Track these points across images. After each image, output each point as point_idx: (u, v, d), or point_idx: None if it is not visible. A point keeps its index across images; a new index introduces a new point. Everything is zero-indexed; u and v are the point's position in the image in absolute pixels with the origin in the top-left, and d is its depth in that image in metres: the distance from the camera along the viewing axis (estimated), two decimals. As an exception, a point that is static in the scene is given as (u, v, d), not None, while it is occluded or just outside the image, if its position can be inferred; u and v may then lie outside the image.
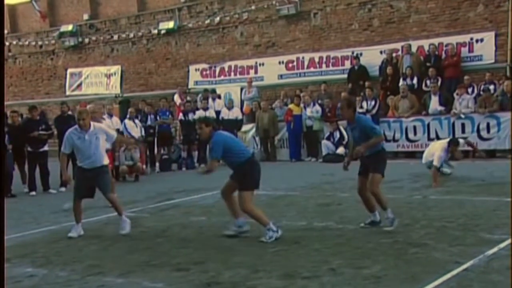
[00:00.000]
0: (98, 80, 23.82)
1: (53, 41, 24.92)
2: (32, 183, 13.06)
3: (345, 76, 17.76)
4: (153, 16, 22.49)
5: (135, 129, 15.48)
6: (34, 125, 13.19)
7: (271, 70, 19.59)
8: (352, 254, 6.14)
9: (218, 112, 17.44)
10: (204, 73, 21.15)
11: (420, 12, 17.23)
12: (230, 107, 17.44)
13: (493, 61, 16.08)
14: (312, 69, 18.96)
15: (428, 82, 15.76)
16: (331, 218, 8.08)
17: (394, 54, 17.04)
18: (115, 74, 23.36)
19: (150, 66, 22.56)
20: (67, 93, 24.36)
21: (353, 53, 17.97)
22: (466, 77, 15.61)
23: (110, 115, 15.39)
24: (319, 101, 17.05)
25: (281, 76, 19.49)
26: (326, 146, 15.96)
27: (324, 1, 18.76)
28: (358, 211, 7.96)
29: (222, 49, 20.86)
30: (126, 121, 15.66)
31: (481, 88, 15.15)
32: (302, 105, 16.93)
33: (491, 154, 14.25)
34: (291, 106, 17.22)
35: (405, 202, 8.93)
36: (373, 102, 15.88)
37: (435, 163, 10.49)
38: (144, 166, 15.32)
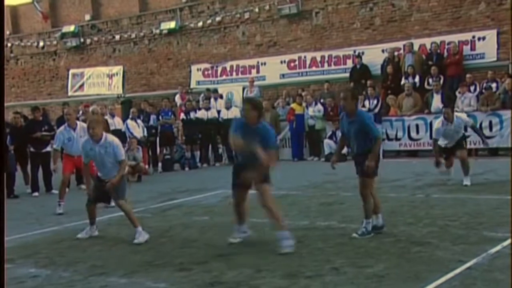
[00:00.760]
0: (100, 81, 23.81)
1: (55, 42, 24.96)
2: (35, 184, 13.08)
3: (347, 75, 17.76)
4: (154, 16, 22.51)
5: (137, 129, 15.49)
6: (37, 126, 13.21)
7: (273, 69, 19.60)
8: (355, 253, 6.13)
9: (219, 112, 17.45)
10: (206, 73, 21.16)
11: (422, 11, 17.22)
12: (228, 106, 17.44)
13: (495, 59, 16.07)
14: (314, 68, 18.96)
15: (430, 80, 15.76)
16: (333, 218, 8.08)
17: (396, 53, 17.03)
18: (117, 74, 23.35)
19: (152, 66, 22.58)
20: (69, 93, 24.36)
21: (355, 52, 17.97)
22: (468, 75, 15.60)
23: (112, 116, 15.44)
24: (321, 100, 17.05)
25: (283, 76, 19.49)
26: (328, 145, 15.95)
27: (326, 0, 18.74)
28: (361, 210, 7.94)
29: (224, 48, 20.87)
30: (128, 121, 15.67)
31: (483, 86, 15.13)
32: (304, 104, 16.93)
33: (493, 152, 14.23)
34: (293, 105, 17.22)
35: (407, 201, 8.93)
36: (375, 101, 15.88)
37: (433, 136, 10.63)
38: (146, 166, 15.33)
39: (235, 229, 7.01)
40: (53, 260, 6.78)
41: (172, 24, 21.65)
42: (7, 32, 26.80)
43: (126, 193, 7.71)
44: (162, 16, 22.23)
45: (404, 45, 16.95)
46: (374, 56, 17.60)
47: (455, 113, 10.41)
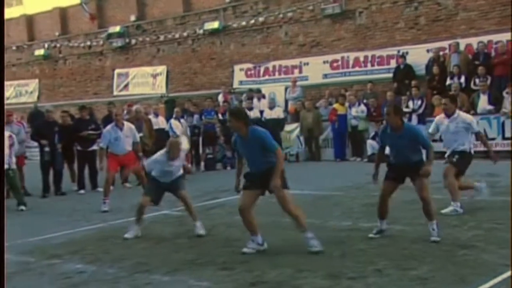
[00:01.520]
0: (145, 80, 24.19)
1: (101, 42, 25.42)
2: (81, 182, 13.36)
3: (391, 75, 17.55)
4: (198, 17, 22.69)
5: (181, 129, 15.64)
6: (84, 124, 13.49)
7: (315, 69, 19.51)
8: (398, 255, 6.07)
9: (262, 112, 17.49)
10: (249, 73, 21.22)
11: (469, 10, 16.89)
12: (271, 106, 17.45)
13: (544, 58, 15.62)
14: (357, 69, 18.79)
15: (477, 80, 15.44)
16: (376, 219, 7.99)
17: (441, 53, 16.75)
18: (161, 74, 23.68)
19: (195, 66, 22.78)
20: (115, 93, 24.82)
21: (399, 52, 17.73)
22: (516, 76, 15.22)
23: (156, 115, 15.64)
24: (364, 101, 16.91)
25: (325, 76, 19.39)
26: (371, 145, 15.80)
27: (370, -1, 18.60)
28: (404, 211, 7.88)
29: (267, 48, 20.89)
30: (172, 120, 15.85)
31: (532, 86, 14.73)
32: (347, 104, 16.82)
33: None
34: (335, 105, 17.13)
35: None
36: (419, 102, 15.66)
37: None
38: (189, 165, 15.46)
39: (250, 239, 6.72)
40: (98, 257, 6.92)
41: (215, 24, 21.79)
42: (56, 33, 27.50)
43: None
44: (206, 16, 22.40)
45: (449, 45, 16.65)
46: (418, 56, 17.33)
47: (461, 112, 8.78)
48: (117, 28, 24.55)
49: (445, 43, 16.92)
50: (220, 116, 17.07)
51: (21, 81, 28.81)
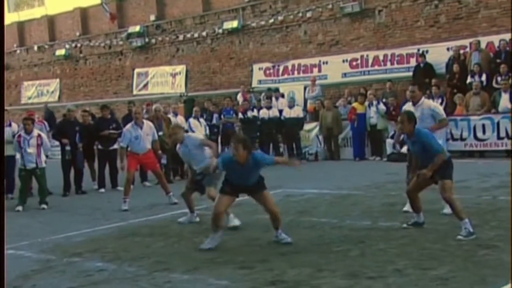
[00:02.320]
0: (164, 80, 24.31)
1: (121, 42, 25.60)
2: (102, 181, 13.46)
3: (410, 74, 17.42)
4: (217, 16, 22.74)
5: (200, 128, 15.69)
6: (105, 124, 13.58)
7: (334, 68, 19.45)
8: (418, 255, 6.03)
9: (281, 111, 17.47)
10: (268, 72, 21.21)
11: (490, 7, 16.70)
12: (291, 105, 17.42)
13: None
14: (376, 67, 18.69)
15: (498, 79, 15.26)
16: (396, 218, 7.96)
17: (461, 51, 16.59)
18: (180, 73, 23.78)
19: (214, 66, 22.83)
20: (134, 92, 24.99)
21: (418, 50, 17.60)
22: (539, 74, 15.02)
23: (175, 114, 15.70)
24: (384, 100, 16.81)
25: (345, 75, 19.32)
26: (390, 145, 15.70)
27: (389, -2, 18.48)
28: (425, 211, 7.80)
29: (286, 48, 20.87)
30: (191, 120, 15.90)
31: (555, 85, 14.54)
32: (366, 103, 16.74)
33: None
34: (355, 104, 17.05)
35: (473, 203, 8.68)
36: (439, 100, 15.50)
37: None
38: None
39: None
40: (118, 255, 6.97)
41: (234, 24, 21.81)
42: (77, 33, 27.75)
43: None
44: (225, 16, 22.44)
45: (470, 43, 16.48)
46: (438, 54, 17.19)
47: (426, 99, 8.66)
48: (137, 28, 24.70)
49: (466, 41, 16.76)
50: (240, 115, 17.09)
51: (42, 81, 29.14)
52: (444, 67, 16.82)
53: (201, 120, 16.15)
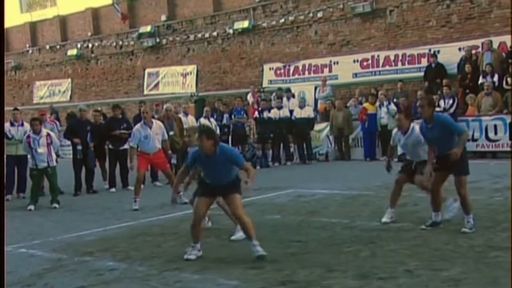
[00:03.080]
0: (175, 80, 24.37)
1: (132, 42, 25.69)
2: (113, 180, 13.51)
3: (422, 74, 17.36)
4: (228, 16, 22.75)
5: (210, 128, 15.67)
6: (116, 123, 13.61)
7: (345, 68, 19.41)
8: (430, 256, 6.00)
9: (291, 111, 17.45)
10: (278, 72, 21.21)
11: (503, 7, 16.58)
12: (302, 106, 17.39)
13: None
14: (387, 67, 18.64)
15: (509, 79, 15.16)
16: (407, 219, 7.93)
17: (473, 51, 16.49)
18: (191, 73, 23.82)
19: (225, 66, 22.85)
20: (145, 92, 25.06)
21: (430, 50, 17.52)
22: (551, 74, 14.91)
23: (186, 114, 15.73)
24: (395, 100, 16.75)
25: (355, 75, 19.27)
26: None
27: (401, -3, 18.41)
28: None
29: (296, 48, 20.85)
30: (202, 119, 15.93)
31: None
32: (377, 103, 16.68)
33: None
34: (365, 105, 17.00)
35: (485, 204, 8.64)
36: (451, 101, 15.43)
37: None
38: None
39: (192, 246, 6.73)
40: (129, 254, 7.00)
41: (245, 24, 21.82)
42: (88, 34, 27.89)
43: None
44: (236, 16, 22.45)
45: (482, 43, 16.38)
46: (450, 54, 17.10)
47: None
48: (148, 28, 24.77)
49: (478, 41, 16.66)
50: (256, 114, 17.05)
51: (54, 81, 29.29)
52: (455, 67, 16.74)
53: (212, 120, 16.16)
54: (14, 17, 30.40)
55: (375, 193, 10.50)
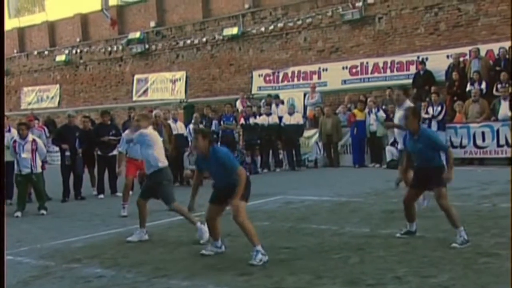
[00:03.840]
0: (164, 86, 24.34)
1: (121, 48, 25.63)
2: (101, 187, 13.44)
3: (410, 81, 17.44)
4: (217, 23, 22.78)
5: (199, 134, 15.64)
6: (105, 130, 13.55)
7: (334, 75, 19.47)
8: (418, 263, 6.02)
9: (280, 118, 17.47)
10: (268, 78, 21.24)
11: (490, 15, 16.74)
12: (291, 112, 17.42)
13: None
14: (376, 74, 18.72)
15: (498, 86, 15.28)
16: (396, 225, 7.93)
17: (461, 59, 16.62)
18: (180, 79, 23.80)
19: (214, 72, 22.85)
20: (134, 98, 25.00)
21: (418, 57, 17.63)
22: (538, 82, 15.03)
23: (175, 120, 15.69)
24: (384, 107, 16.82)
25: (344, 82, 19.34)
26: (390, 152, 15.69)
27: (389, 5, 18.50)
28: (424, 219, 7.80)
29: (286, 54, 20.90)
30: (191, 126, 15.89)
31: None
32: (366, 110, 16.75)
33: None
34: (354, 111, 17.07)
35: (473, 210, 8.68)
36: (439, 108, 15.52)
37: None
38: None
39: (210, 243, 7.13)
40: (117, 261, 6.96)
41: (234, 30, 21.85)
42: (77, 39, 27.80)
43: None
44: (225, 22, 22.48)
45: (470, 51, 16.51)
46: (438, 62, 17.21)
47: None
48: (137, 34, 24.74)
49: (465, 49, 16.79)
50: (242, 121, 17.06)
51: (42, 87, 29.16)
52: (443, 74, 16.85)
53: (201, 126, 16.12)
54: (2, 23, 30.20)
55: (364, 199, 10.52)
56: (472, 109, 15.20)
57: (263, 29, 21.27)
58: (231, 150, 16.86)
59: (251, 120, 16.95)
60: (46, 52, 28.87)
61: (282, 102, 18.87)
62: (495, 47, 16.25)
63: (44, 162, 13.79)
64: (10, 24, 31.10)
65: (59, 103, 28.29)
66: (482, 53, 16.35)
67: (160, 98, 24.02)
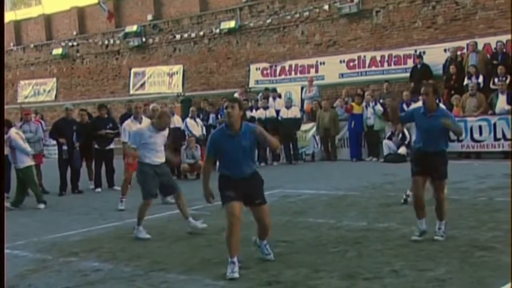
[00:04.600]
0: (161, 79, 24.29)
1: (118, 42, 25.56)
2: (98, 180, 13.43)
3: (408, 75, 17.44)
4: (214, 16, 22.72)
5: (197, 128, 15.68)
6: (102, 123, 13.53)
7: (332, 69, 19.45)
8: (415, 256, 6.03)
9: (278, 111, 17.47)
10: (265, 72, 21.21)
11: (488, 9, 16.72)
12: (288, 106, 17.42)
13: None
14: (373, 68, 18.70)
15: (496, 80, 15.29)
16: (393, 219, 7.96)
17: (459, 52, 16.61)
18: (177, 73, 23.76)
19: (212, 65, 22.81)
20: (131, 92, 24.95)
21: (416, 51, 17.61)
22: (536, 76, 15.04)
23: (172, 114, 15.66)
24: (381, 100, 16.82)
25: (342, 75, 19.32)
26: (387, 145, 15.73)
27: (387, -2, 18.49)
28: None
29: (283, 48, 20.87)
30: (188, 120, 15.89)
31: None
32: (363, 104, 16.75)
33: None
34: (352, 103, 17.09)
35: (470, 204, 8.70)
36: (436, 101, 15.51)
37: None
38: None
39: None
40: (115, 255, 6.96)
41: (231, 24, 21.80)
42: (74, 33, 27.71)
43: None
44: (222, 16, 22.42)
45: (467, 44, 16.49)
46: (435, 55, 17.20)
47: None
48: (134, 28, 24.66)
49: (463, 43, 16.77)
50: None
51: (39, 80, 29.08)
52: (441, 68, 16.84)
53: (198, 120, 16.13)
54: (-2, 16, 30.13)
55: (361, 193, 10.54)
56: (469, 103, 15.21)
57: (260, 22, 21.23)
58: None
59: (248, 114, 16.92)
60: (42, 45, 28.78)
61: (280, 96, 18.85)
62: (493, 40, 16.24)
63: (42, 155, 13.76)
64: (6, 17, 30.95)
65: (56, 96, 28.23)
66: (480, 47, 16.34)
67: (157, 92, 23.98)
